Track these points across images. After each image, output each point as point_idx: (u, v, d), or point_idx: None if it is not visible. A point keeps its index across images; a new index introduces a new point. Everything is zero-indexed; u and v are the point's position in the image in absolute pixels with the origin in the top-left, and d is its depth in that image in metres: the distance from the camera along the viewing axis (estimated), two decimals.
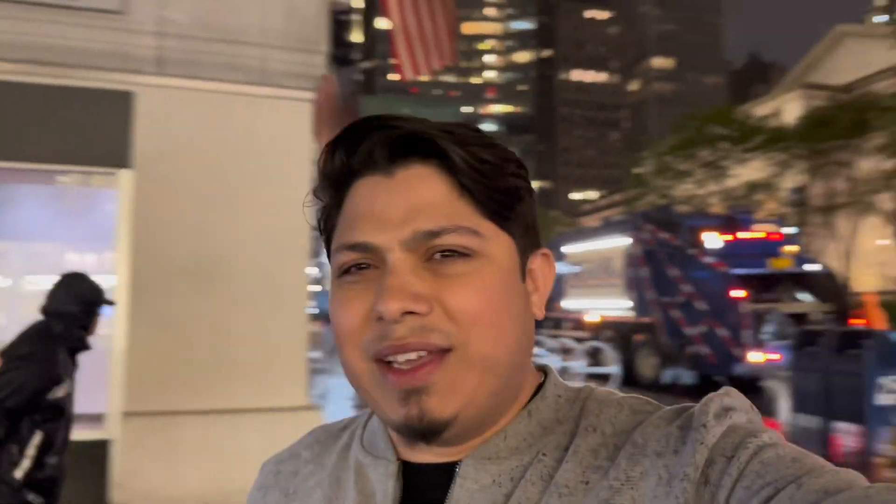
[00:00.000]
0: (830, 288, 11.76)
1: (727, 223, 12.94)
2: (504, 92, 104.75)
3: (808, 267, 12.08)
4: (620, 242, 14.55)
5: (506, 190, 0.58)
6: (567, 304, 16.82)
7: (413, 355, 0.54)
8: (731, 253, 11.99)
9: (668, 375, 12.76)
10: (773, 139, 38.10)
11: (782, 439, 0.53)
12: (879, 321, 9.01)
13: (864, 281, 40.60)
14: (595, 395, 0.62)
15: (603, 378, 13.27)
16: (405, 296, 0.53)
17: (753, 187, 40.57)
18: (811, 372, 7.43)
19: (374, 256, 0.56)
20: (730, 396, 0.56)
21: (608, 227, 16.99)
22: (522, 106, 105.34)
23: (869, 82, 43.99)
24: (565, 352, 14.63)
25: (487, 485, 0.57)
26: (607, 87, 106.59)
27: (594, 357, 13.89)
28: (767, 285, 11.76)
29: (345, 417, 0.75)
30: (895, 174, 33.47)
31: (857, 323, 10.21)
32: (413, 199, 0.56)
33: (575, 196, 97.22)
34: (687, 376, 12.41)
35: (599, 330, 14.78)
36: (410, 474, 0.61)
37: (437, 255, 0.56)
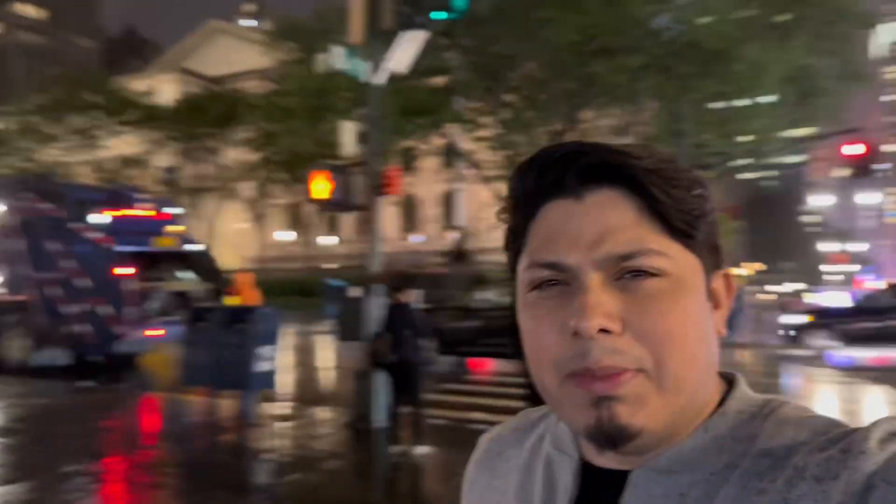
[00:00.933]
0: (209, 267, 12.76)
1: (114, 198, 12.69)
2: None
3: (189, 247, 12.82)
4: None
5: (692, 211, 0.60)
6: None
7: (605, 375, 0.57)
8: (118, 230, 11.81)
9: (41, 357, 11.80)
10: (149, 117, 38.20)
11: None
12: (252, 298, 10.17)
13: (226, 260, 44.49)
14: (779, 413, 0.62)
15: None
16: (600, 313, 0.56)
17: (127, 162, 40.12)
18: (202, 346, 8.02)
19: (566, 275, 0.59)
20: None
21: None
22: None
23: (238, 79, 47.91)
24: None
25: (657, 496, 0.60)
26: None
27: None
28: (152, 263, 12.00)
29: (545, 406, 0.73)
30: (257, 166, 37.76)
31: (232, 300, 11.36)
32: (603, 222, 0.59)
33: None
34: (62, 357, 11.73)
35: None
36: (589, 475, 0.65)
37: (628, 275, 0.58)
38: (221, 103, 38.07)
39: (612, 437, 0.57)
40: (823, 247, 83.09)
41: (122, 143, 38.68)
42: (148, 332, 11.03)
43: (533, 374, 0.62)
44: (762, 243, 76.40)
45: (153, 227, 12.38)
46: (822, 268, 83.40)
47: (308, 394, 11.09)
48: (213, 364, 7.86)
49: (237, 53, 51.61)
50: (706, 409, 0.62)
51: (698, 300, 0.60)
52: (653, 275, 0.58)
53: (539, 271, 0.61)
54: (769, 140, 28.05)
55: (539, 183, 0.62)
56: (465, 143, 31.82)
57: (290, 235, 50.05)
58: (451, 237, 34.57)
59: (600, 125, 31.79)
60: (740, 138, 26.69)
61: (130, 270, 11.28)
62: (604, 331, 0.56)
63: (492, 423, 0.85)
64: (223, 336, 7.86)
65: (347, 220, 51.41)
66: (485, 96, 28.71)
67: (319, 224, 42.16)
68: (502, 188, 31.20)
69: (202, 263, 12.66)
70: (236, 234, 47.10)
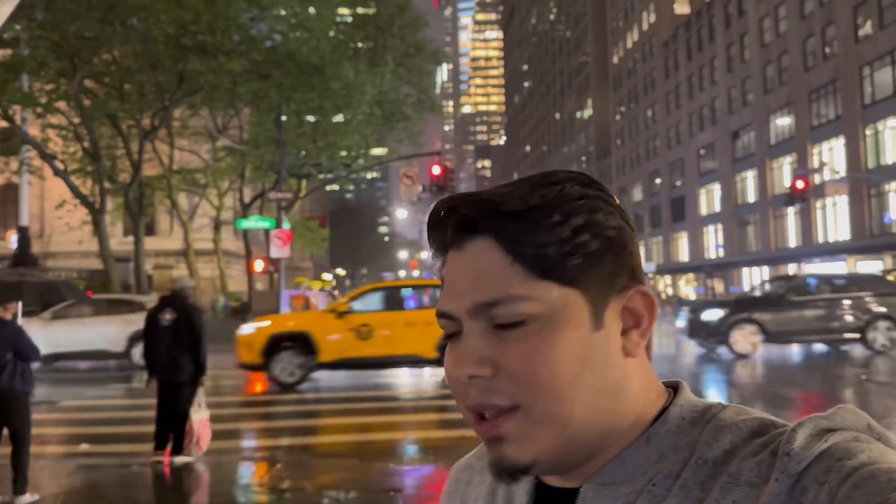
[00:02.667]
0: None
1: None
2: None
3: None
4: None
5: (562, 248, 0.60)
6: None
7: (486, 413, 0.60)
8: None
9: None
10: None
11: (888, 456, 0.52)
12: None
13: None
14: (720, 418, 0.61)
15: None
16: (469, 361, 0.60)
17: None
18: None
19: (456, 324, 0.62)
20: (830, 418, 0.56)
21: None
22: None
23: None
24: None
25: None
26: None
27: None
28: None
29: None
30: None
31: None
32: (474, 270, 0.61)
33: None
34: None
35: None
36: (543, 494, 0.67)
37: (500, 327, 0.60)
38: None
39: (506, 472, 0.60)
40: (399, 254, 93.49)
41: None
42: None
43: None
44: (344, 251, 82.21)
45: None
46: (401, 273, 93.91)
47: None
48: None
49: None
50: (645, 419, 0.63)
51: (577, 332, 0.60)
52: (517, 323, 0.59)
53: (440, 321, 0.64)
54: (359, 155, 30.28)
55: (434, 237, 0.66)
56: (32, 129, 27.49)
57: None
58: (13, 238, 29.37)
59: (192, 125, 30.61)
60: (337, 152, 28.19)
61: None
62: (475, 377, 0.59)
63: None
64: None
65: None
66: (61, 78, 25.24)
67: None
68: (81, 185, 27.83)
69: None
70: None
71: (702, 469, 0.58)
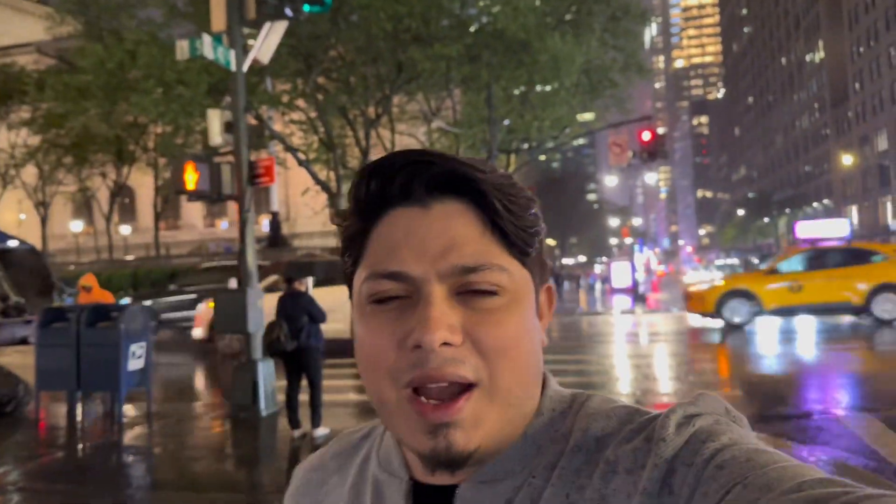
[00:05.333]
0: (37, 266, 11.70)
1: None
2: None
3: (11, 243, 11.66)
4: None
5: (528, 229, 0.62)
6: None
7: (444, 390, 0.57)
8: None
9: None
10: None
11: (747, 437, 0.55)
12: (105, 296, 9.47)
13: None
14: (588, 406, 0.64)
15: None
16: (444, 327, 0.56)
17: None
18: (60, 348, 7.54)
19: (408, 287, 0.59)
20: (695, 404, 0.58)
21: None
22: None
23: (10, 52, 42.91)
24: None
25: None
26: None
27: None
28: None
29: (364, 425, 0.78)
30: (39, 150, 34.24)
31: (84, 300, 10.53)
32: (450, 233, 0.59)
33: None
34: None
35: None
36: (420, 493, 0.64)
37: (469, 291, 0.59)
38: None
39: (448, 462, 0.57)
40: (609, 222, 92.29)
41: None
42: None
43: (368, 387, 0.61)
44: (553, 220, 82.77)
45: None
46: (611, 241, 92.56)
47: (187, 389, 10.79)
48: (76, 366, 7.43)
49: (8, 24, 46.08)
50: (530, 417, 0.63)
51: (529, 313, 0.61)
52: (492, 292, 0.59)
53: (380, 282, 0.59)
54: (568, 125, 30.64)
55: (384, 189, 0.61)
56: (277, 125, 31.23)
57: (79, 226, 45.96)
58: (265, 222, 33.79)
59: (409, 110, 32.81)
60: (545, 124, 28.79)
61: None
62: (446, 344, 0.56)
63: None
64: (88, 336, 7.45)
65: (145, 209, 48.13)
66: (297, 78, 28.40)
67: (113, 213, 39.13)
68: (318, 172, 31.15)
69: (28, 262, 11.58)
70: (15, 225, 42.34)
71: (577, 456, 0.59)
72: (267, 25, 8.14)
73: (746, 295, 15.53)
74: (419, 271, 0.58)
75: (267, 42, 8.26)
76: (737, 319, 15.52)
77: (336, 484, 0.73)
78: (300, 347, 6.47)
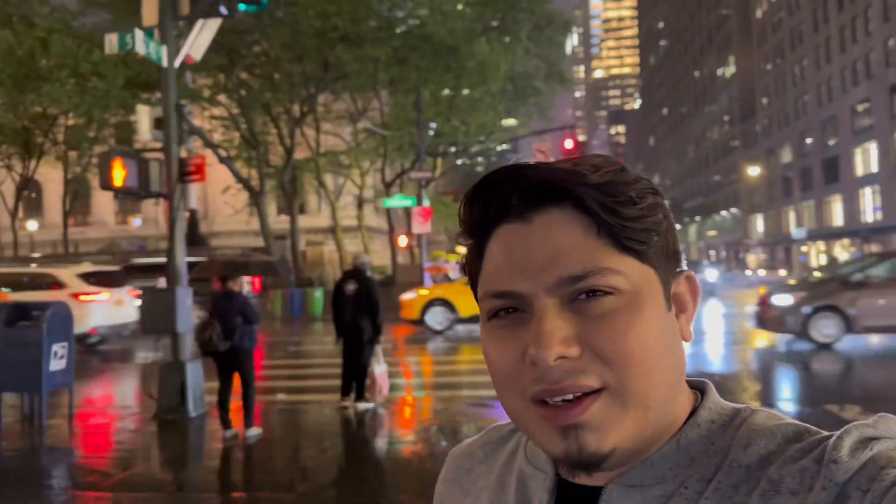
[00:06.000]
0: None
1: None
2: None
3: None
4: None
5: (642, 223, 0.59)
6: None
7: (569, 396, 0.56)
8: None
9: None
10: None
11: None
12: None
13: None
14: (752, 422, 0.61)
15: None
16: (556, 342, 0.55)
17: None
18: None
19: (521, 302, 0.59)
20: (874, 426, 0.55)
21: None
22: None
23: None
24: None
25: None
26: None
27: None
28: None
29: None
30: None
31: None
32: (552, 244, 0.58)
33: None
34: None
35: None
36: (564, 491, 0.64)
37: (582, 296, 0.57)
38: None
39: (582, 464, 0.57)
40: None
41: None
42: None
43: (499, 397, 0.61)
44: None
45: None
46: None
47: (110, 389, 10.44)
48: None
49: None
50: (678, 420, 0.62)
51: (657, 312, 0.60)
52: (606, 293, 0.57)
53: (493, 301, 0.60)
54: (493, 130, 31.15)
55: (486, 208, 0.62)
56: (197, 120, 30.44)
57: None
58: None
59: (335, 109, 32.64)
60: (471, 129, 29.14)
61: None
62: (562, 357, 0.56)
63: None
64: (7, 335, 7.17)
65: (53, 205, 45.86)
66: (219, 73, 27.80)
67: (18, 208, 37.12)
68: (240, 169, 30.47)
69: None
70: None
71: (735, 472, 0.58)
72: (200, 22, 8.05)
73: (446, 304, 16.61)
74: (526, 288, 0.58)
75: (200, 39, 8.16)
76: (437, 326, 16.43)
77: (483, 473, 0.74)
78: (233, 348, 6.45)
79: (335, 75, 27.35)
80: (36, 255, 34.96)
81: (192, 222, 30.32)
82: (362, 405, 7.79)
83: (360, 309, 7.65)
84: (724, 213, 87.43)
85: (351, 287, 7.77)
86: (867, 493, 0.50)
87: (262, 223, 28.66)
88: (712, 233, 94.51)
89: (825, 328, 12.02)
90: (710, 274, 37.61)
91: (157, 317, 7.61)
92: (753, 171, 66.75)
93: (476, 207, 0.62)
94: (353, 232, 41.60)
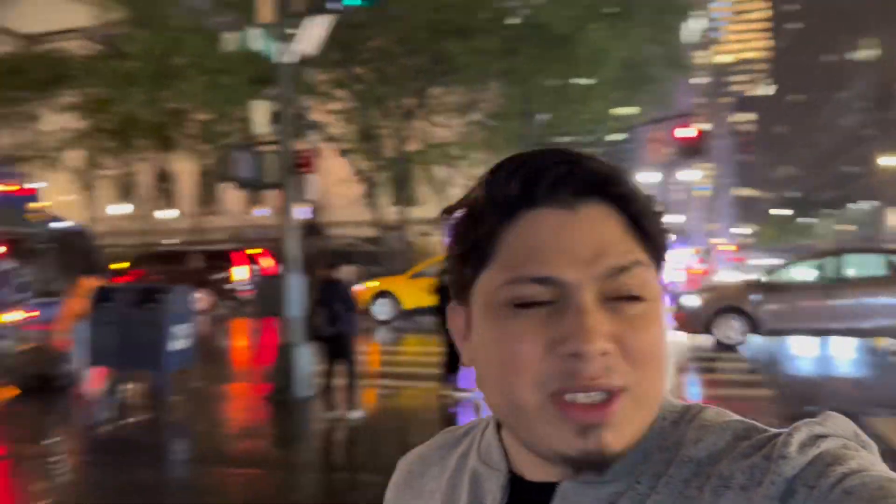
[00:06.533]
0: (86, 247, 12.08)
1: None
2: None
3: (60, 225, 12.06)
4: None
5: (664, 237, 0.62)
6: None
7: (596, 395, 0.55)
8: None
9: None
10: None
11: (877, 464, 0.53)
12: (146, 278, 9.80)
13: None
14: (701, 418, 0.62)
15: None
16: (602, 336, 0.55)
17: None
18: (109, 326, 7.83)
19: (557, 292, 0.57)
20: (823, 424, 0.56)
21: None
22: None
23: (59, 38, 43.88)
24: None
25: None
26: None
27: None
28: (16, 243, 11.19)
29: (468, 422, 0.79)
30: (84, 134, 35.07)
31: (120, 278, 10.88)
32: (599, 236, 0.58)
33: None
34: None
35: None
36: (518, 488, 0.64)
37: (621, 299, 0.58)
38: (42, 64, 34.75)
39: (598, 463, 0.57)
40: None
41: None
42: (23, 314, 10.40)
43: (497, 391, 0.59)
44: None
45: (14, 203, 11.47)
46: None
47: (227, 370, 11.12)
48: (122, 344, 7.71)
49: (55, 11, 47.10)
50: None
51: (665, 319, 0.61)
52: (639, 298, 0.58)
53: (527, 286, 0.57)
54: (606, 119, 30.44)
55: (528, 188, 0.59)
56: (316, 115, 31.53)
57: (124, 209, 46.98)
58: (302, 211, 34.31)
59: (446, 101, 32.88)
60: (582, 118, 28.63)
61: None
62: (604, 354, 0.56)
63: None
64: (133, 315, 7.73)
65: (186, 194, 48.98)
66: (337, 68, 28.63)
67: (157, 197, 39.94)
68: (359, 161, 31.37)
69: (77, 244, 11.96)
70: (61, 207, 43.33)
71: (686, 467, 0.58)
72: (312, 18, 8.31)
73: (391, 295, 17.15)
74: (572, 277, 0.56)
75: (314, 34, 8.43)
76: (382, 317, 16.85)
77: (435, 474, 0.74)
78: (337, 333, 6.67)
79: (446, 68, 27.56)
80: (170, 241, 37.59)
81: (312, 213, 31.63)
82: (461, 394, 7.85)
83: None
84: (855, 205, 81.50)
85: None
86: (813, 489, 0.51)
87: (375, 214, 29.42)
88: (846, 226, 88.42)
89: (728, 330, 12.02)
90: None
91: (270, 301, 7.97)
92: (890, 160, 61.82)
93: (514, 186, 0.59)
94: None
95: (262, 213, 52.43)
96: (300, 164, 8.03)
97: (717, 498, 0.55)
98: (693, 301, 12.60)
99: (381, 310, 17.13)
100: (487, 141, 32.02)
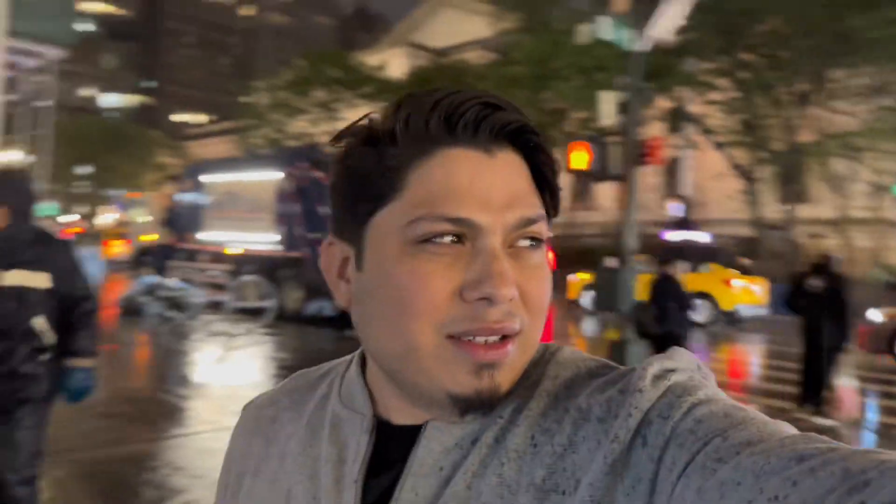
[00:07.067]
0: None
1: None
2: None
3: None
4: (270, 177, 14.41)
5: (559, 193, 0.63)
6: (203, 236, 16.18)
7: (494, 337, 0.57)
8: None
9: (311, 308, 13.29)
10: (383, 90, 40.67)
11: (720, 394, 0.55)
12: None
13: None
14: (558, 358, 0.64)
15: (256, 312, 13.23)
16: (511, 282, 0.56)
17: None
18: None
19: (469, 233, 0.56)
20: (671, 359, 0.59)
21: (256, 161, 16.77)
22: (125, 8, 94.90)
23: (461, 50, 49.40)
24: (214, 287, 14.16)
25: (450, 447, 0.60)
26: (220, 7, 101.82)
27: (241, 291, 13.77)
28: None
29: (323, 364, 0.76)
30: None
31: None
32: (513, 184, 0.58)
33: (178, 117, 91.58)
34: (328, 308, 13.10)
35: (241, 264, 14.57)
36: (383, 431, 0.64)
37: (525, 242, 0.59)
38: (447, 75, 39.42)
39: (489, 402, 0.57)
40: None
41: (357, 115, 41.58)
42: None
43: (392, 330, 0.58)
44: None
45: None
46: None
47: None
48: None
49: (461, 25, 53.05)
50: None
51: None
52: (541, 243, 0.60)
53: (440, 224, 0.56)
54: None
55: (447, 125, 0.57)
56: (693, 106, 30.25)
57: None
58: (673, 206, 33.20)
59: (850, 85, 28.69)
60: None
61: None
62: (511, 299, 0.56)
63: None
64: None
65: (602, 190, 51.23)
66: (719, 56, 27.03)
67: (570, 195, 42.40)
68: (737, 155, 29.41)
69: None
70: None
71: (544, 401, 0.60)
72: (668, 3, 7.97)
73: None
74: (486, 221, 0.56)
75: (669, 19, 8.09)
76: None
77: (290, 419, 0.71)
78: (666, 333, 6.32)
79: (849, 47, 24.13)
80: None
81: (684, 208, 30.53)
82: (821, 420, 6.81)
83: (824, 309, 6.65)
84: None
85: (817, 283, 6.81)
86: (667, 419, 0.53)
87: (754, 212, 27.20)
88: None
89: None
90: None
91: (606, 295, 7.91)
92: None
93: (432, 121, 0.57)
94: (867, 225, 36.38)
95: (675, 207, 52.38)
96: (643, 155, 7.78)
97: (576, 430, 0.57)
98: (877, 316, 11.29)
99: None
100: None
